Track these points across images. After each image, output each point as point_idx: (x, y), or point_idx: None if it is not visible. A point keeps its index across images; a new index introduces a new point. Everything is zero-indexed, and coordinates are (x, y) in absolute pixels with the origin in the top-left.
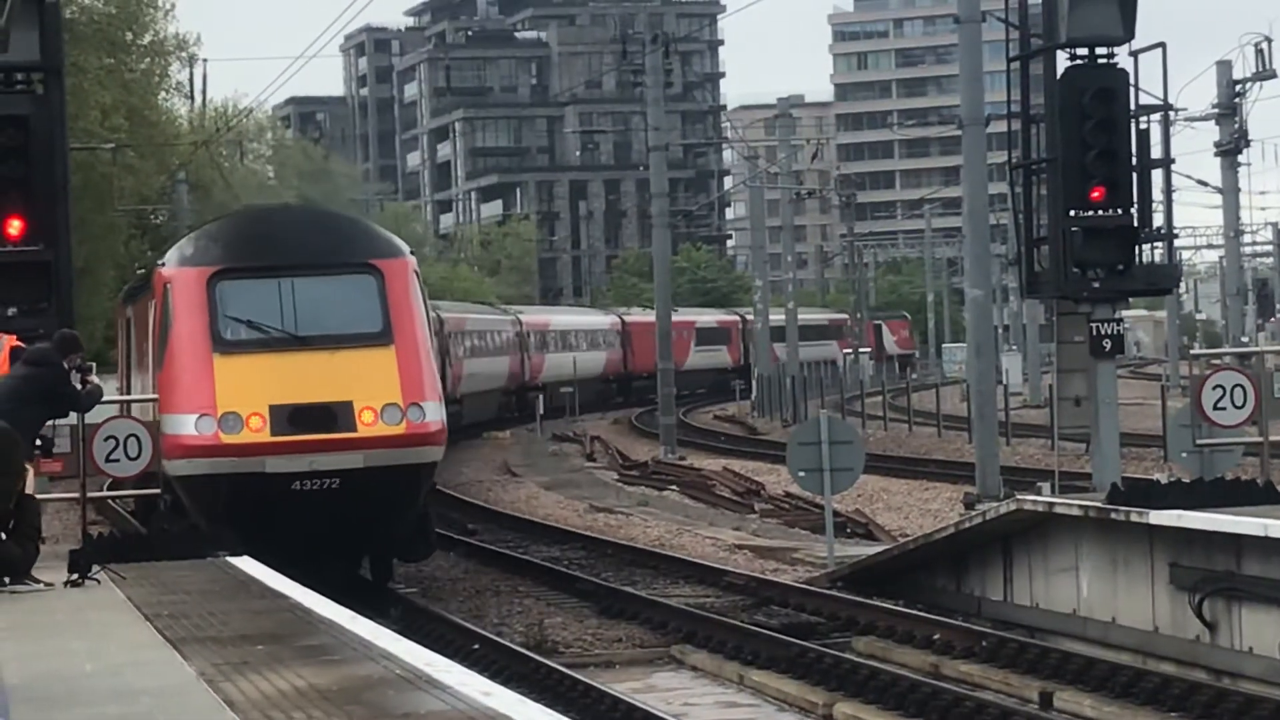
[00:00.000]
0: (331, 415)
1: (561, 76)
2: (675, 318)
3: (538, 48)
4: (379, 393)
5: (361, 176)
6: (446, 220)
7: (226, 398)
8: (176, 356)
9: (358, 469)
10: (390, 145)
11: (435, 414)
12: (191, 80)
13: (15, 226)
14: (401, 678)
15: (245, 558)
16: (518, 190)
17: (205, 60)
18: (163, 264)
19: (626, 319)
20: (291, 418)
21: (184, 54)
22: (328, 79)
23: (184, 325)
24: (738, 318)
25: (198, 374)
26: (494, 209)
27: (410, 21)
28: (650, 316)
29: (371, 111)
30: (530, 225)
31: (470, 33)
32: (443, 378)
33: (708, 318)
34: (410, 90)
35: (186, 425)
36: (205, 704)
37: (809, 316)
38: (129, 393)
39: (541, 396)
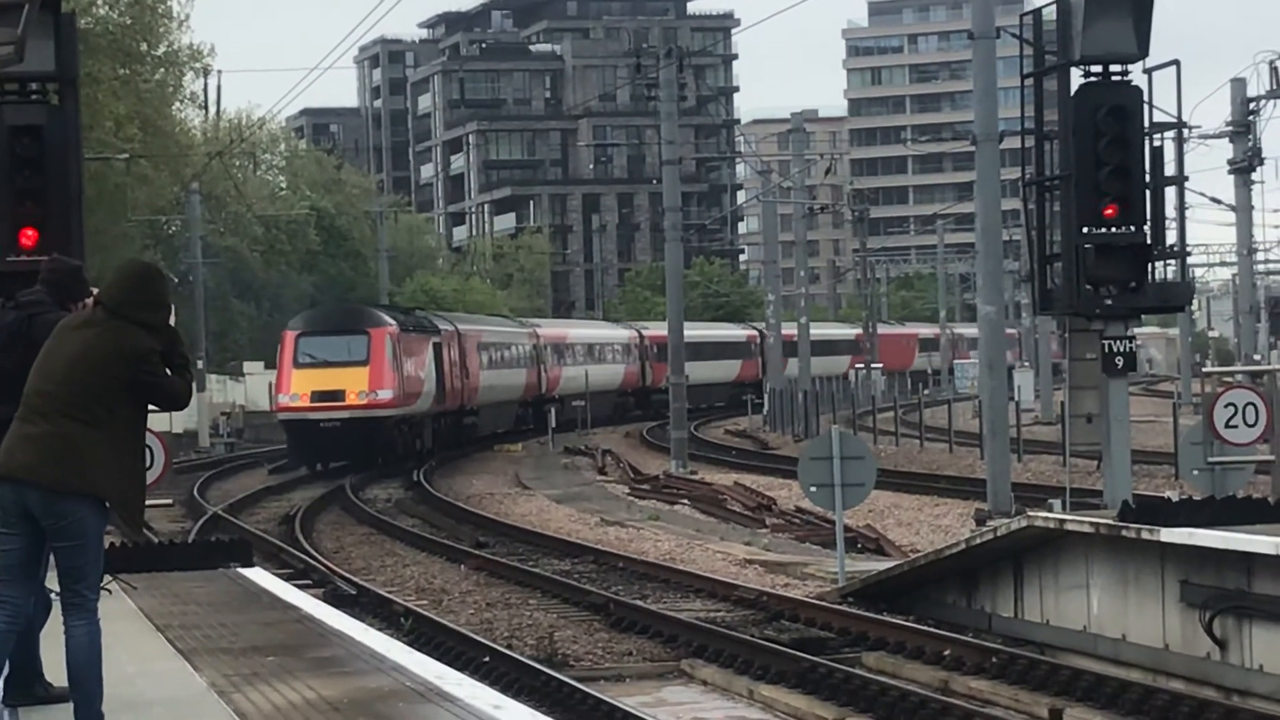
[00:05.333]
0: (335, 394)
1: (575, 90)
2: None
3: (551, 61)
4: (358, 385)
5: (375, 188)
6: (459, 233)
7: (296, 387)
8: (282, 369)
9: (345, 418)
10: (404, 157)
11: (387, 395)
12: (205, 91)
13: (29, 236)
14: (412, 690)
15: (256, 569)
16: (531, 203)
17: (219, 71)
18: (284, 328)
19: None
20: (319, 396)
21: (198, 65)
22: (341, 90)
23: (286, 355)
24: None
25: (287, 376)
26: (507, 222)
27: (424, 34)
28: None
29: (385, 123)
30: (543, 238)
31: (484, 45)
32: (460, 386)
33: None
34: (424, 102)
35: (285, 399)
36: (216, 715)
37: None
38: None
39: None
